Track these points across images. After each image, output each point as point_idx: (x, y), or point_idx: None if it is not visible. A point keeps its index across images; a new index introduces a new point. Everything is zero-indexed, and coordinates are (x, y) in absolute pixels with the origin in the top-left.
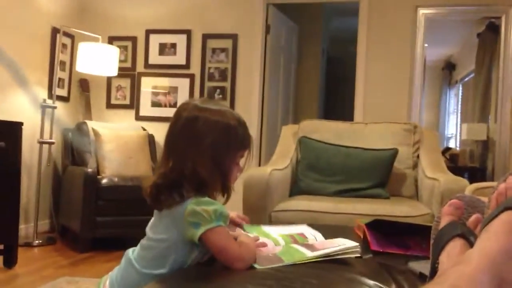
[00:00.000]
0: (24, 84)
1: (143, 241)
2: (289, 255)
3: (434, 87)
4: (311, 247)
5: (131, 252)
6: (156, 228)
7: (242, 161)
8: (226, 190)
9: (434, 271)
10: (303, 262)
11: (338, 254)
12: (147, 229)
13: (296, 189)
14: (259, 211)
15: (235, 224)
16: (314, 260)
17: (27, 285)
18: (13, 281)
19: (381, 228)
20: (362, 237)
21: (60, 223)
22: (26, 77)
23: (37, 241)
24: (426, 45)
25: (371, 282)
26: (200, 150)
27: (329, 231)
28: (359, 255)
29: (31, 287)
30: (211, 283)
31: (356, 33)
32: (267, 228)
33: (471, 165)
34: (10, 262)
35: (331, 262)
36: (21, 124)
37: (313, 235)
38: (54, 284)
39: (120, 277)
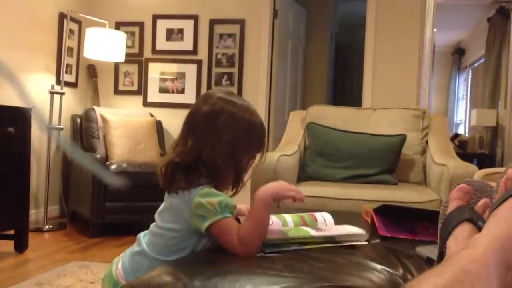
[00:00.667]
0: (15, 84)
1: (152, 227)
2: (295, 231)
3: (443, 72)
4: (318, 230)
5: (143, 236)
6: (164, 215)
7: (253, 163)
8: (236, 185)
9: (441, 255)
10: (307, 240)
11: (344, 240)
12: (156, 215)
13: (304, 175)
14: None
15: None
16: (320, 245)
17: (39, 269)
18: (24, 265)
19: (388, 213)
20: (370, 222)
21: (70, 208)
22: (17, 76)
23: (47, 226)
24: (435, 30)
25: (379, 266)
26: (221, 141)
27: (337, 217)
28: (365, 242)
29: (42, 271)
30: (220, 268)
31: (364, 18)
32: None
33: (480, 151)
34: (21, 246)
35: (339, 247)
36: (30, 110)
37: (323, 217)
38: (65, 268)
39: (132, 260)
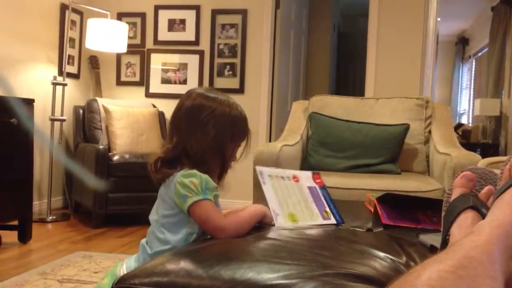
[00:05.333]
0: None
1: (150, 229)
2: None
3: (447, 62)
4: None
5: (145, 241)
6: (159, 208)
7: (238, 152)
8: (221, 175)
9: (445, 243)
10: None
11: None
12: (150, 217)
13: (306, 165)
14: None
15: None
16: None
17: (42, 259)
18: (28, 255)
19: (392, 202)
20: (373, 211)
21: (73, 199)
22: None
23: (51, 217)
24: (439, 19)
25: (382, 254)
26: (206, 136)
27: (340, 206)
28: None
29: (46, 262)
30: (222, 255)
31: (367, 8)
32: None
33: (483, 141)
34: (24, 237)
35: (343, 232)
36: (32, 101)
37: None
38: (69, 259)
39: (135, 262)
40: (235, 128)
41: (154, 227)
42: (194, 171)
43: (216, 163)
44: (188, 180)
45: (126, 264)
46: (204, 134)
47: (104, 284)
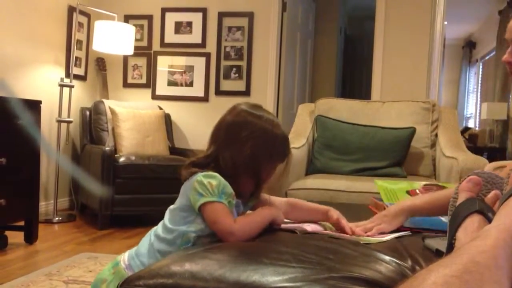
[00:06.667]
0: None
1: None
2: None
3: (454, 65)
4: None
5: (153, 232)
6: (177, 201)
7: (275, 172)
8: (257, 192)
9: (451, 247)
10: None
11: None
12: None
13: (312, 167)
14: (275, 189)
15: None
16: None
17: (48, 260)
18: (34, 256)
19: None
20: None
21: (79, 200)
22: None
23: (57, 218)
24: (445, 22)
25: (387, 258)
26: (242, 151)
27: (344, 210)
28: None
29: (52, 262)
30: (227, 258)
31: (374, 11)
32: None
33: (490, 145)
34: (30, 238)
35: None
36: (39, 102)
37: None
38: (74, 260)
39: (140, 250)
40: (274, 148)
41: (166, 215)
42: (216, 174)
43: (249, 180)
44: (207, 180)
45: (128, 252)
46: (240, 150)
47: (104, 269)
